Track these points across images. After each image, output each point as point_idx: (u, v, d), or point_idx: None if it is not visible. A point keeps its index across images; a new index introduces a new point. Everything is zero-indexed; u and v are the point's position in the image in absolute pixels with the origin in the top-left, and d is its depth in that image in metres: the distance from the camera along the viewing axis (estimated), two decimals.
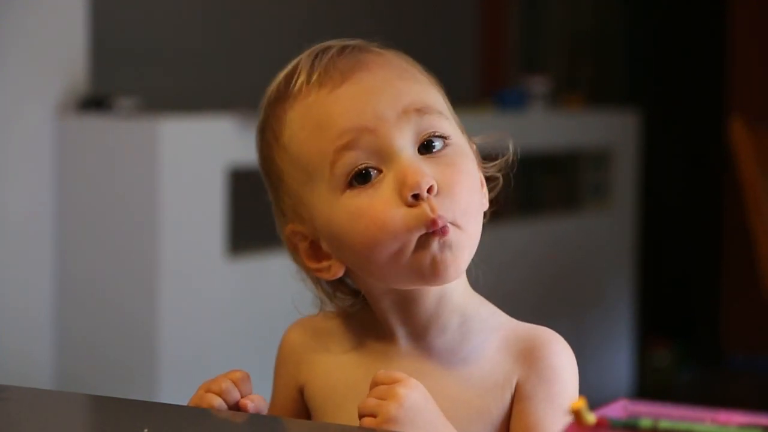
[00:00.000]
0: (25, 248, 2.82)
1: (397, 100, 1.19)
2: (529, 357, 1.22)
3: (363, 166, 1.17)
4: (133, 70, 3.41)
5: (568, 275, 4.18)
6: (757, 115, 4.52)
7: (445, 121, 1.21)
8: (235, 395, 1.19)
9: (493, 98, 4.24)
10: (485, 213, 1.26)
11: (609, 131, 4.41)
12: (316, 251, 1.23)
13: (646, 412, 0.88)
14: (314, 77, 1.21)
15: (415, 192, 1.15)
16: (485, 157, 1.31)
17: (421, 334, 1.23)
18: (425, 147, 1.18)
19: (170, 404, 1.19)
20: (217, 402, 1.18)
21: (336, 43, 1.24)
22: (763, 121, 3.82)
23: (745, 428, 0.86)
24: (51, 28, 2.90)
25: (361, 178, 1.17)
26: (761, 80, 5.22)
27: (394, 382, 1.15)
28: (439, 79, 1.27)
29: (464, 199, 1.18)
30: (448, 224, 1.16)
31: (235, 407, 1.19)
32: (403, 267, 1.17)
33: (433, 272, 1.17)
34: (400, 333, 1.23)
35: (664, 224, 5.38)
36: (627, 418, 0.87)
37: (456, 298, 1.23)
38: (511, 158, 1.32)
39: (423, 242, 1.16)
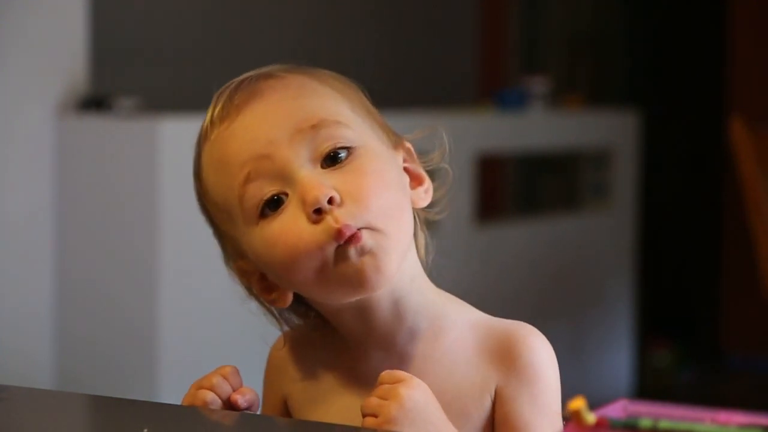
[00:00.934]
0: (25, 248, 2.82)
1: (289, 120, 1.17)
2: (506, 357, 1.21)
3: (269, 194, 1.16)
4: (133, 70, 3.41)
5: (568, 275, 4.18)
6: (757, 115, 4.51)
7: (347, 129, 1.18)
8: (226, 389, 1.18)
9: (493, 98, 4.24)
10: (445, 210, 1.27)
11: (609, 131, 4.41)
12: (266, 283, 1.23)
13: (646, 412, 0.88)
14: (215, 116, 1.21)
15: (316, 207, 1.14)
16: (423, 152, 1.29)
17: (389, 341, 1.22)
18: (331, 159, 1.17)
19: (170, 404, 1.19)
20: (210, 397, 1.18)
21: (246, 74, 1.24)
22: (763, 121, 3.82)
23: (745, 428, 0.86)
24: (51, 28, 2.90)
25: (272, 205, 1.16)
26: (761, 80, 5.22)
27: (397, 381, 1.15)
28: (360, 84, 1.26)
29: (376, 201, 1.16)
30: (362, 230, 1.14)
31: (227, 401, 1.19)
32: (332, 282, 1.16)
33: (359, 280, 1.15)
34: (369, 344, 1.22)
35: (664, 224, 5.38)
36: (627, 418, 0.87)
37: (415, 299, 1.22)
38: (446, 149, 1.28)
39: (341, 254, 1.14)
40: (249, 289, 1.25)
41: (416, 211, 1.25)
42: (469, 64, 4.91)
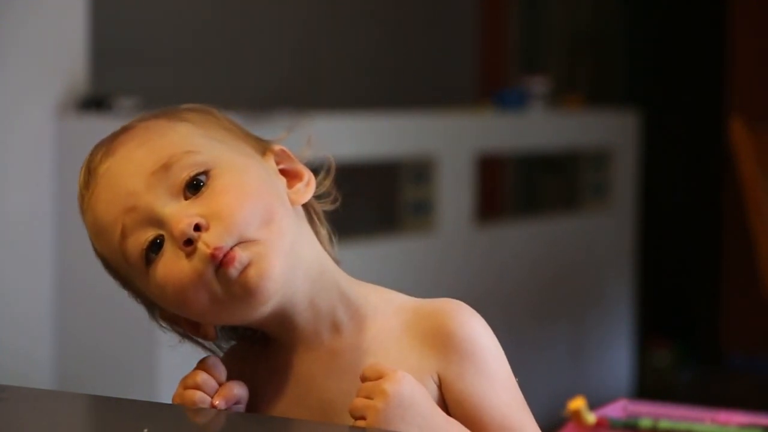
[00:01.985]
0: (25, 248, 2.82)
1: (142, 167, 1.18)
2: (440, 337, 1.20)
3: (147, 240, 1.18)
4: (133, 70, 3.41)
5: (568, 275, 4.18)
6: (757, 115, 4.51)
7: (197, 155, 1.18)
8: (212, 385, 1.19)
9: (493, 98, 4.24)
10: (333, 201, 1.26)
11: (609, 131, 4.41)
12: (192, 323, 1.24)
13: (646, 412, 0.88)
14: (81, 185, 1.23)
15: (185, 239, 1.15)
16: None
17: (315, 341, 1.22)
18: (193, 188, 1.18)
19: (170, 404, 1.19)
20: (198, 396, 1.18)
21: (102, 139, 1.26)
22: (763, 121, 3.82)
23: (745, 428, 0.86)
24: (51, 28, 2.90)
25: (154, 248, 1.18)
26: (761, 80, 5.22)
27: (379, 377, 1.14)
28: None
29: (240, 214, 1.16)
30: (237, 245, 1.15)
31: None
32: (227, 304, 1.17)
33: (249, 294, 1.16)
34: (298, 347, 1.22)
35: (664, 224, 5.38)
36: (627, 418, 0.87)
37: (330, 294, 1.22)
38: (310, 141, 1.28)
39: (222, 276, 1.15)
40: (181, 334, 1.27)
41: (310, 205, 1.26)
42: (469, 64, 4.91)
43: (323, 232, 1.27)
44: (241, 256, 1.15)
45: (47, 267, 2.84)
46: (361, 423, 1.13)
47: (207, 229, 1.15)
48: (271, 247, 1.16)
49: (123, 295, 1.23)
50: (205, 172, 1.18)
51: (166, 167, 1.18)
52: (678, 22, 5.45)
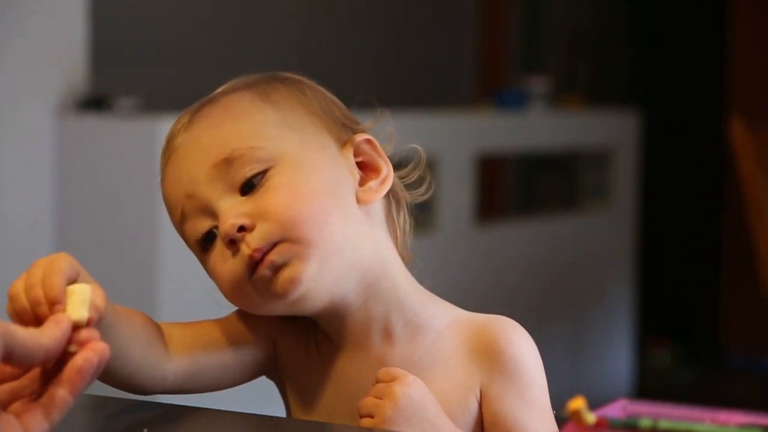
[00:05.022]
0: (25, 248, 2.82)
1: (206, 155, 1.19)
2: (488, 353, 1.19)
3: (203, 231, 1.19)
4: (133, 70, 3.41)
5: (568, 275, 4.18)
6: (757, 115, 4.52)
7: (260, 152, 1.18)
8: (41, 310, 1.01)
9: (493, 98, 4.24)
10: (410, 203, 1.25)
11: (609, 131, 4.41)
12: None
13: (646, 412, 0.88)
14: (163, 151, 1.23)
15: (228, 239, 1.16)
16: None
17: (365, 343, 1.21)
18: (248, 186, 1.17)
19: (170, 404, 1.19)
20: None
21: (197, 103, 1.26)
22: (763, 121, 3.82)
23: (745, 428, 0.86)
24: (51, 28, 2.90)
25: (208, 238, 1.19)
26: (761, 80, 5.22)
27: (392, 379, 1.15)
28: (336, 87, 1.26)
29: (286, 213, 1.15)
30: (278, 245, 1.14)
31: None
32: (270, 303, 1.17)
33: (278, 296, 1.16)
34: (348, 346, 1.22)
35: (664, 224, 5.38)
36: (627, 418, 0.87)
37: (387, 298, 1.21)
38: (393, 134, 1.27)
39: (257, 277, 1.15)
40: None
41: (393, 195, 1.24)
42: (469, 64, 4.91)
43: (403, 224, 1.26)
44: (276, 257, 1.14)
45: None
46: (367, 421, 1.13)
47: (252, 229, 1.15)
48: (315, 247, 1.15)
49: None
50: (263, 172, 1.17)
51: (228, 161, 1.18)
52: (678, 22, 5.46)
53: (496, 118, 4.02)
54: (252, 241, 1.15)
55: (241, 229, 1.15)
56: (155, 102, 3.18)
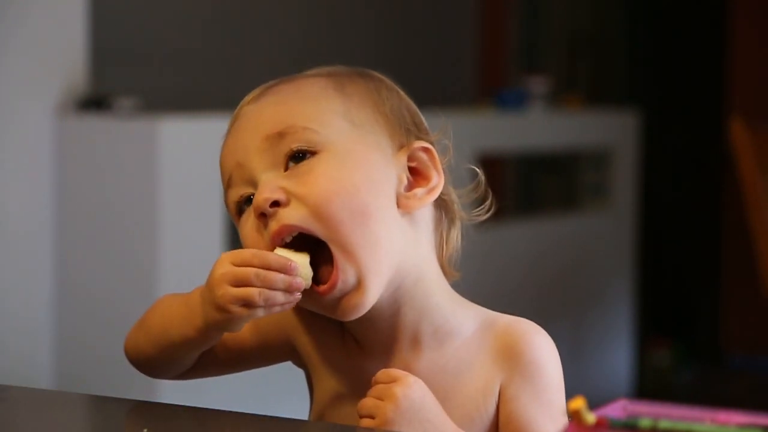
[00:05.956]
0: (24, 248, 2.82)
1: (262, 126, 1.20)
2: (509, 354, 1.20)
3: (242, 196, 1.20)
4: (133, 70, 3.41)
5: (568, 275, 4.18)
6: (757, 115, 4.51)
7: (314, 134, 1.18)
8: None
9: (493, 98, 4.24)
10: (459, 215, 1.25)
11: (609, 131, 4.41)
12: None
13: (646, 412, 0.88)
14: (233, 116, 1.25)
15: (260, 212, 1.16)
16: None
17: (392, 348, 1.21)
18: (294, 160, 1.18)
19: (170, 404, 1.19)
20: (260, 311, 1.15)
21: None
22: (763, 121, 3.81)
23: (745, 428, 0.86)
24: (50, 28, 2.90)
25: (248, 202, 1.20)
26: (761, 80, 5.22)
27: (392, 381, 1.15)
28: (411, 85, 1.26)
29: (325, 206, 1.15)
30: (338, 259, 1.14)
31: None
32: (312, 307, 1.19)
33: (345, 317, 1.17)
34: (374, 350, 1.22)
35: (664, 224, 5.38)
36: (627, 418, 0.87)
37: (419, 303, 1.20)
38: (450, 150, 1.27)
39: (317, 295, 1.16)
40: None
41: (444, 205, 1.24)
42: (469, 64, 4.91)
43: (454, 241, 1.25)
44: (346, 275, 1.14)
45: (47, 267, 2.84)
46: (368, 422, 1.13)
47: (286, 205, 1.15)
48: (351, 247, 1.15)
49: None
50: (311, 152, 1.18)
51: (280, 135, 1.18)
52: (678, 22, 5.45)
53: (496, 118, 4.02)
54: (283, 218, 1.15)
55: (275, 204, 1.15)
56: (155, 102, 3.18)
